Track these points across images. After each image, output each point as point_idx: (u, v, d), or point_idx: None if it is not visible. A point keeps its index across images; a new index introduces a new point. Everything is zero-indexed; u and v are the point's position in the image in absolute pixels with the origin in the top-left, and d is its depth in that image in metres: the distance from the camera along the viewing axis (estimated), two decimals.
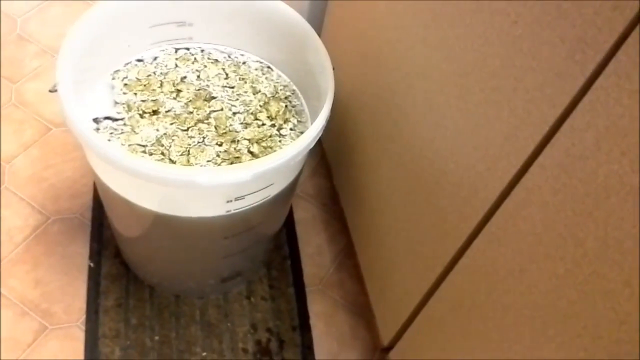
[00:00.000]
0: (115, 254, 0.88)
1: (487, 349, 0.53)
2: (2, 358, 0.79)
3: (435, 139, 0.58)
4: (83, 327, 0.82)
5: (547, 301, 0.44)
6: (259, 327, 0.86)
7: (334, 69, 0.68)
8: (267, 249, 0.90)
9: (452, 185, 0.56)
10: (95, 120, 0.70)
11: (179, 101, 0.73)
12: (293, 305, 0.89)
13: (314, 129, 0.62)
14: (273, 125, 0.72)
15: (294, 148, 0.61)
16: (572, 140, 0.40)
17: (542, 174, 0.43)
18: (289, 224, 0.96)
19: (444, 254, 0.59)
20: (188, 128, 0.71)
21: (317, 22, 0.92)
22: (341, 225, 0.96)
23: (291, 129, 0.73)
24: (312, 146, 0.63)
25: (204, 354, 0.82)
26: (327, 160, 0.99)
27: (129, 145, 0.68)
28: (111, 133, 0.69)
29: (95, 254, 0.88)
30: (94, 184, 0.94)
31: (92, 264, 0.87)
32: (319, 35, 0.72)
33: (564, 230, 0.41)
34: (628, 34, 0.34)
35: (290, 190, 0.74)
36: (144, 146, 0.68)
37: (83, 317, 0.83)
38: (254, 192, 0.64)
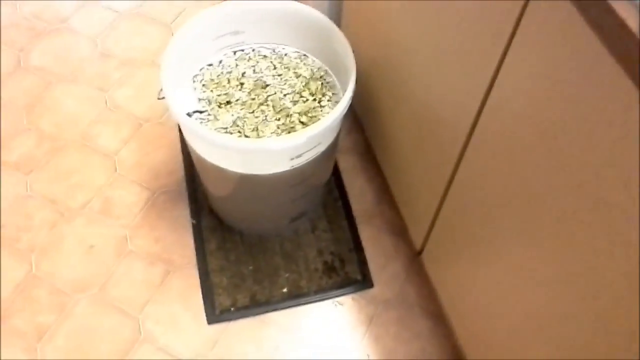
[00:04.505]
0: (209, 211, 1.17)
1: (488, 245, 0.78)
2: (143, 293, 1.08)
3: (430, 86, 0.83)
4: (196, 267, 1.11)
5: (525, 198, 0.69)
6: (324, 252, 1.13)
7: (353, 51, 0.93)
8: (322, 193, 1.16)
9: (442, 118, 0.81)
10: (188, 114, 0.97)
11: (243, 91, 0.99)
12: (347, 233, 1.16)
13: (345, 100, 0.87)
14: (314, 100, 0.98)
15: (333, 115, 0.86)
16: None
17: (498, 105, 0.67)
18: (336, 172, 1.22)
19: (445, 171, 0.83)
20: (253, 111, 0.97)
21: (337, 17, 1.16)
22: (376, 168, 1.21)
23: (328, 100, 0.98)
24: (345, 111, 0.88)
25: (287, 275, 1.10)
26: (358, 119, 1.24)
27: (215, 129, 0.95)
28: (200, 122, 0.96)
29: (195, 214, 1.16)
30: (184, 162, 1.22)
31: (194, 221, 1.16)
32: (339, 26, 0.96)
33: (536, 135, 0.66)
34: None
35: (333, 146, 0.99)
36: (225, 128, 0.95)
37: (194, 260, 1.12)
38: (309, 150, 0.90)
